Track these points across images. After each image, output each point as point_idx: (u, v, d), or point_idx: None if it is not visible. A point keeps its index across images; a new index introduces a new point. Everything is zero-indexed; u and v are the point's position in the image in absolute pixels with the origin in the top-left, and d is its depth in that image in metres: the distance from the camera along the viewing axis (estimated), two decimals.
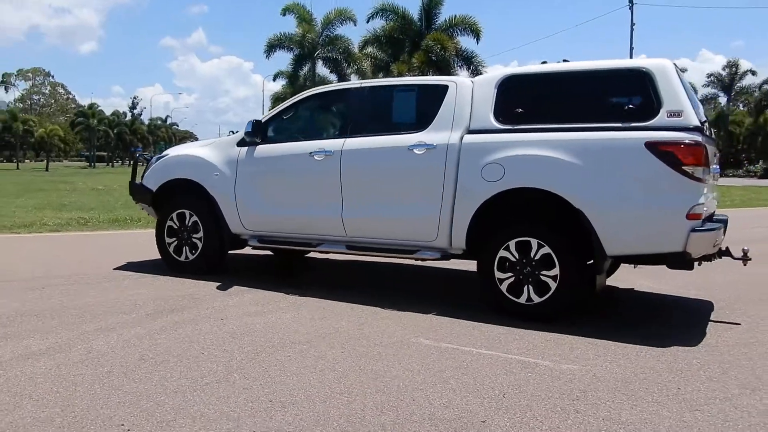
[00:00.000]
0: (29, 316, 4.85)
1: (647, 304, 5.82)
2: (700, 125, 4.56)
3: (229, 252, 6.71)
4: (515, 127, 5.05)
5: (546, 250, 4.84)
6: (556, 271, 4.82)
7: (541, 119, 5.02)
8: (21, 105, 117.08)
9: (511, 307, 4.99)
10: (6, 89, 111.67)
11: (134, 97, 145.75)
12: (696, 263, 5.17)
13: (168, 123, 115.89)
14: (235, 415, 3.15)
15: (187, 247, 6.47)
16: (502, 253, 4.99)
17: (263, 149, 6.07)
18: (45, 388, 3.44)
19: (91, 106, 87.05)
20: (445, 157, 5.19)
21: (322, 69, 31.71)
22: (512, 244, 4.96)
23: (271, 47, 28.99)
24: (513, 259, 4.97)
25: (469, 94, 5.30)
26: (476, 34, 27.16)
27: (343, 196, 5.63)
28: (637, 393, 3.54)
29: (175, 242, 6.53)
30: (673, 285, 6.35)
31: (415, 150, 5.30)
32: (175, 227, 6.52)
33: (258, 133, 6.03)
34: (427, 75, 28.24)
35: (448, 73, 29.06)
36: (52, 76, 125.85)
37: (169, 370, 3.74)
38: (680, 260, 4.67)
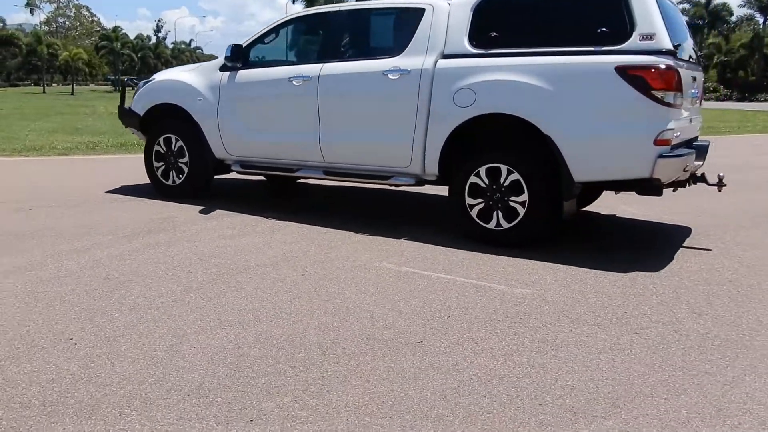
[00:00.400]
0: (8, 236, 5.03)
1: (623, 230, 5.82)
2: (672, 49, 4.44)
3: (220, 177, 6.81)
4: (489, 52, 4.96)
5: (515, 176, 4.83)
6: (524, 197, 4.82)
7: (515, 43, 4.91)
8: (46, 28, 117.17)
9: (481, 232, 5.02)
10: (32, 12, 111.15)
11: (159, 20, 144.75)
12: (672, 190, 5.17)
13: (192, 47, 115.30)
14: (181, 332, 3.28)
15: (173, 172, 6.56)
16: (473, 179, 4.99)
17: (244, 74, 6.05)
18: (7, 303, 3.61)
19: (115, 29, 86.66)
20: (419, 82, 5.13)
21: None
22: (482, 170, 4.95)
23: None
24: (483, 185, 4.97)
25: (446, 17, 5.18)
26: None
27: (321, 121, 5.62)
28: (582, 316, 3.60)
29: (163, 166, 6.62)
30: (657, 211, 6.31)
31: (389, 75, 5.24)
32: (162, 152, 6.60)
33: (238, 57, 5.99)
34: None
35: None
36: None
37: (129, 290, 3.88)
38: (648, 186, 4.64)
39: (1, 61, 69.28)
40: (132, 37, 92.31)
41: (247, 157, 6.19)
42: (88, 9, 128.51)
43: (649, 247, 5.22)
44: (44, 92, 59.91)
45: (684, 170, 4.73)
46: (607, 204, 6.46)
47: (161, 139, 6.59)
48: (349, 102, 5.52)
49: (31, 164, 9.64)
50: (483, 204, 4.99)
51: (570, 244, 5.21)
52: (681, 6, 56.93)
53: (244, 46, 6.08)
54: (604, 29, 4.59)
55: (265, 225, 5.58)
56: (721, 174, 5.11)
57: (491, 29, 5.01)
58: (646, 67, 4.41)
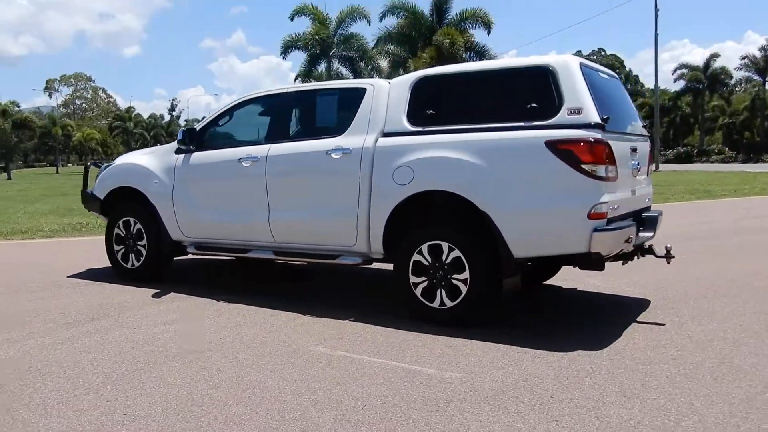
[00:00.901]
0: None
1: (580, 305, 5.69)
2: (600, 122, 4.42)
3: (187, 257, 6.78)
4: (426, 129, 4.98)
5: (456, 253, 4.76)
6: (466, 274, 4.74)
7: (450, 120, 4.94)
8: (64, 110, 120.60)
9: (426, 312, 4.92)
10: (50, 95, 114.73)
11: (173, 99, 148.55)
12: (621, 263, 5.09)
13: None
14: (80, 428, 3.18)
15: (132, 255, 6.55)
16: (415, 257, 4.93)
17: (198, 156, 6.10)
18: None
19: (128, 109, 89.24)
20: (360, 161, 5.14)
21: (340, 68, 32.10)
22: (425, 247, 4.89)
23: (287, 48, 29.15)
24: (426, 263, 4.90)
25: (386, 96, 5.24)
26: (487, 26, 26.90)
27: (270, 201, 5.63)
28: (504, 403, 3.45)
29: (122, 249, 6.62)
30: (622, 282, 6.19)
31: (332, 154, 5.26)
32: (122, 235, 6.61)
33: (190, 141, 6.08)
34: None
35: None
36: (94, 81, 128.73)
37: (47, 382, 3.79)
38: (588, 261, 4.56)
39: (18, 143, 71.12)
40: (150, 116, 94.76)
41: (201, 238, 6.18)
42: (104, 90, 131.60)
43: (601, 322, 5.08)
44: (57, 172, 61.18)
45: (626, 242, 4.65)
46: (571, 276, 6.35)
47: (121, 222, 6.61)
48: (295, 182, 5.53)
49: (9, 248, 9.69)
50: (427, 282, 4.91)
51: (520, 320, 5.10)
52: (679, 71, 57.76)
53: (197, 129, 6.17)
54: (534, 105, 4.61)
55: (213, 308, 5.51)
56: (669, 245, 5.02)
57: (428, 107, 5.05)
58: (574, 141, 4.40)
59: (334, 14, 29.19)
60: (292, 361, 4.15)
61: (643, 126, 5.60)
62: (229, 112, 6.21)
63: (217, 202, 5.99)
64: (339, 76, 36.19)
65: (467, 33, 26.87)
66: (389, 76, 24.89)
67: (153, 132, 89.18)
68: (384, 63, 30.17)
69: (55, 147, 78.02)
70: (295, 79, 30.01)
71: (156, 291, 6.09)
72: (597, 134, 4.40)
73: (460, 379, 3.81)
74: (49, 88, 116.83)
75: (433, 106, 5.04)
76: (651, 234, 5.24)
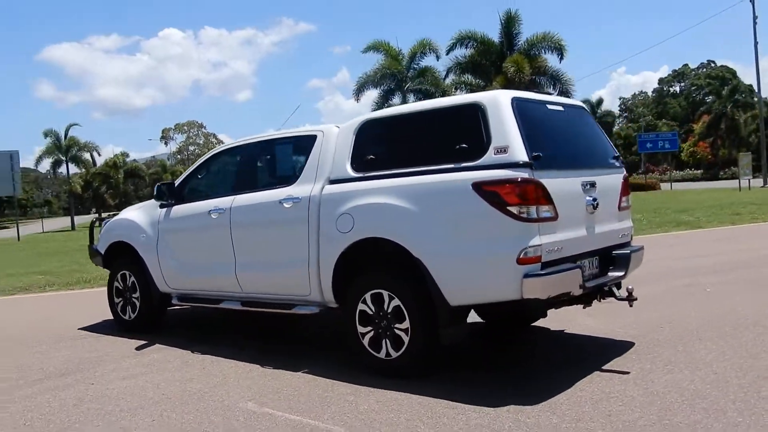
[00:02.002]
0: None
1: (555, 349, 5.34)
2: (528, 160, 4.15)
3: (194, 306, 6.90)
4: (366, 175, 4.86)
5: (396, 302, 4.59)
6: (407, 324, 4.55)
7: (389, 164, 4.80)
8: (179, 156, 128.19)
9: (373, 363, 4.76)
10: (166, 143, 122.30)
11: None
12: (582, 306, 4.76)
13: None
14: None
15: (129, 307, 6.75)
16: (360, 306, 4.78)
17: (177, 209, 6.24)
18: None
19: None
20: (308, 209, 5.08)
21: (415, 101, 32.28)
22: (368, 296, 4.74)
23: (360, 88, 29.63)
24: (370, 312, 4.74)
25: (334, 142, 5.17)
26: (559, 51, 26.21)
27: (235, 252, 5.66)
28: None
29: (121, 302, 6.84)
30: (618, 323, 5.76)
31: (284, 204, 5.23)
32: (120, 287, 6.83)
33: (161, 195, 6.24)
34: None
35: None
36: (205, 127, 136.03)
37: None
38: (526, 307, 4.28)
39: (134, 191, 75.89)
40: None
41: (183, 289, 6.29)
42: (215, 135, 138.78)
43: (562, 371, 4.69)
44: None
45: (571, 286, 4.31)
46: (566, 316, 5.97)
47: (119, 276, 6.84)
48: (255, 232, 5.53)
49: (61, 298, 10.23)
50: (373, 332, 4.75)
51: (470, 370, 4.82)
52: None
53: (176, 183, 6.32)
54: (464, 145, 4.40)
55: (180, 360, 5.55)
56: (630, 287, 4.62)
57: (369, 151, 4.93)
58: (498, 183, 4.15)
59: (405, 49, 29.49)
60: (212, 419, 4.11)
61: (615, 157, 5.20)
62: (205, 165, 6.33)
63: (193, 254, 6.09)
64: None
65: (539, 58, 26.26)
66: None
67: None
68: (460, 94, 30.23)
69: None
70: None
71: (144, 342, 6.22)
72: (523, 174, 4.13)
73: None
74: (165, 137, 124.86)
75: (374, 151, 4.92)
76: (620, 273, 4.86)
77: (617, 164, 5.17)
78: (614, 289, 4.68)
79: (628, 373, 4.47)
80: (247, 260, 5.59)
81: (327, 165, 5.12)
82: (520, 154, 4.17)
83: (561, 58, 26.65)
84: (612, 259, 4.92)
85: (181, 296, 6.32)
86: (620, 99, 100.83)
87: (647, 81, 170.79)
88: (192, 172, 6.36)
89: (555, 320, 5.96)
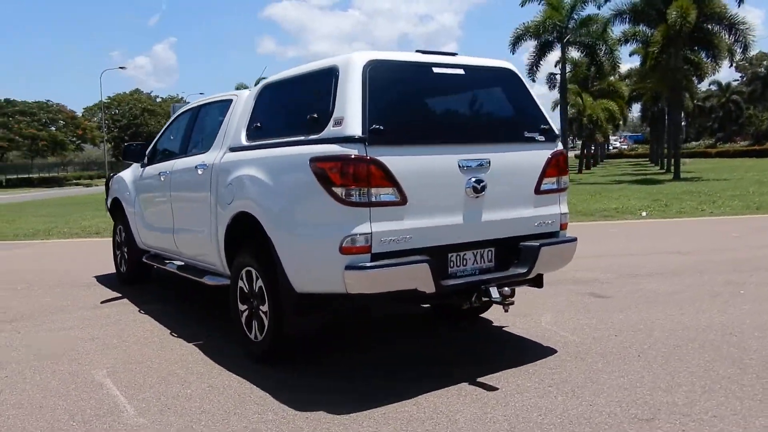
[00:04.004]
0: None
1: (463, 346, 4.65)
2: (361, 135, 3.57)
3: None
4: (253, 144, 4.51)
5: (261, 282, 4.27)
6: (266, 306, 4.22)
7: (269, 133, 4.40)
8: None
9: (246, 343, 4.49)
10: None
11: None
12: (462, 307, 4.12)
13: None
14: None
15: (123, 260, 7.03)
16: (240, 282, 4.52)
17: (146, 170, 6.29)
18: None
19: None
20: (210, 177, 4.86)
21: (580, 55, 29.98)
22: (244, 273, 4.45)
23: (518, 39, 27.83)
24: (246, 291, 4.46)
25: (241, 108, 4.86)
26: None
27: (173, 214, 5.62)
28: None
29: (118, 255, 7.15)
30: (575, 325, 4.98)
31: (198, 170, 5.05)
32: (118, 241, 7.14)
33: (128, 155, 6.32)
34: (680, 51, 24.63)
35: (710, 48, 24.92)
36: None
37: None
38: (352, 303, 3.79)
39: None
40: None
41: (149, 248, 6.40)
42: None
43: (430, 375, 4.06)
44: None
45: (426, 283, 3.69)
46: (526, 311, 5.26)
47: (117, 229, 7.14)
48: (182, 196, 5.45)
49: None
50: (247, 311, 4.47)
51: (333, 364, 4.38)
52: None
53: (153, 143, 6.38)
54: (314, 115, 3.90)
55: (120, 318, 5.66)
56: (507, 290, 3.86)
57: (259, 119, 4.57)
58: (325, 159, 3.63)
59: None
60: (51, 384, 4.12)
61: (542, 131, 4.31)
62: (168, 127, 6.31)
63: (152, 214, 6.16)
64: (575, 64, 34.00)
65: (711, 3, 22.78)
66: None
67: None
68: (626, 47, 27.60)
69: None
70: (528, 71, 28.66)
71: (116, 296, 6.47)
72: (353, 150, 3.57)
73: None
74: None
75: (262, 118, 4.55)
76: (522, 270, 4.10)
77: (541, 138, 4.30)
78: (490, 289, 3.92)
79: (496, 389, 3.78)
80: (180, 223, 5.53)
81: (231, 132, 4.83)
82: (354, 127, 3.60)
83: (740, 2, 23.04)
84: (517, 251, 4.17)
85: (148, 255, 6.44)
86: None
87: None
88: (162, 132, 6.39)
89: (514, 314, 5.28)
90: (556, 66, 28.78)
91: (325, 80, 3.91)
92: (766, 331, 4.68)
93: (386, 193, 3.63)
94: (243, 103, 4.86)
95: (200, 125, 5.53)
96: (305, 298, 3.98)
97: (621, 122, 57.07)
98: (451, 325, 5.16)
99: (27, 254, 10.33)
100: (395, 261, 3.64)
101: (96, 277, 7.62)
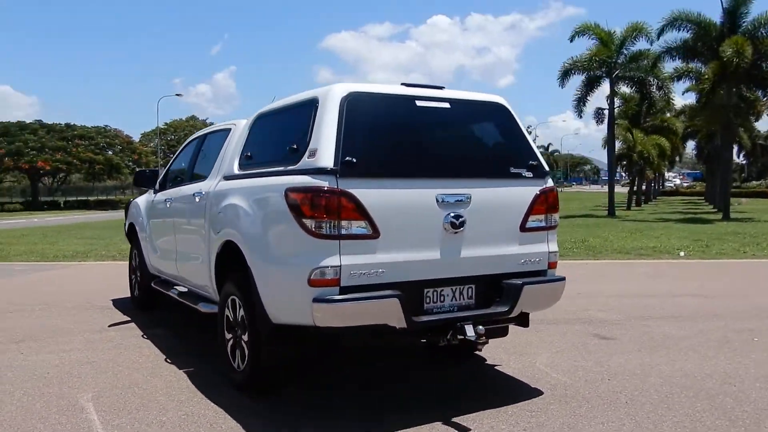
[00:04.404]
0: None
1: (448, 384, 4.52)
2: (333, 167, 3.57)
3: None
4: (242, 173, 4.57)
5: (242, 311, 4.28)
6: (247, 335, 4.22)
7: (257, 163, 4.46)
8: None
9: (230, 372, 4.50)
10: None
11: (528, 127, 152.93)
12: (428, 343, 4.02)
13: (549, 150, 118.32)
14: None
15: (137, 284, 7.16)
16: (226, 311, 4.54)
17: (158, 196, 6.43)
18: None
19: None
20: (205, 205, 4.93)
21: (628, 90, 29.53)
22: (229, 302, 4.48)
23: (566, 74, 27.54)
24: (231, 319, 4.48)
25: (237, 137, 4.94)
26: None
27: (176, 241, 5.71)
28: None
29: (133, 278, 7.28)
30: (571, 366, 4.82)
31: (195, 197, 5.14)
32: (133, 265, 7.28)
33: (143, 182, 6.46)
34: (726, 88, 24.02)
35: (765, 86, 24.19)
36: None
37: None
38: (326, 336, 3.75)
39: None
40: None
41: (158, 273, 6.50)
42: None
43: (409, 410, 4.00)
44: None
45: (397, 318, 3.63)
46: (523, 349, 5.12)
47: (133, 254, 7.28)
48: (182, 223, 5.54)
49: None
50: (232, 340, 4.49)
51: (324, 395, 4.33)
52: None
53: (165, 170, 6.52)
54: (294, 145, 3.93)
55: (125, 340, 5.75)
56: (481, 328, 3.76)
57: (250, 148, 4.63)
58: (297, 190, 3.65)
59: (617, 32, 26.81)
60: (35, 407, 4.18)
61: (530, 167, 4.23)
62: (179, 154, 6.43)
63: (159, 240, 6.27)
64: (625, 99, 33.41)
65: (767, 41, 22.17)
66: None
67: None
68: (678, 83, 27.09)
69: None
70: (575, 106, 28.28)
71: (125, 320, 6.58)
72: (324, 182, 3.57)
73: None
74: None
75: (253, 148, 4.61)
76: (503, 309, 4.00)
77: (528, 174, 4.22)
78: (466, 327, 3.81)
79: (468, 430, 3.68)
80: (181, 249, 5.61)
81: (226, 160, 4.91)
82: (327, 159, 3.61)
83: None
84: (500, 289, 4.07)
85: (157, 281, 6.54)
86: None
87: None
88: (171, 161, 6.53)
89: (509, 352, 5.17)
90: (607, 100, 28.16)
91: (307, 111, 3.95)
92: (765, 382, 4.44)
93: (357, 226, 3.61)
94: (239, 132, 4.94)
95: (204, 153, 5.63)
96: (280, 328, 3.97)
97: (676, 159, 55.63)
98: (443, 361, 5.06)
99: (57, 276, 10.62)
100: (365, 295, 3.61)
101: (113, 300, 7.77)
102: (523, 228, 4.16)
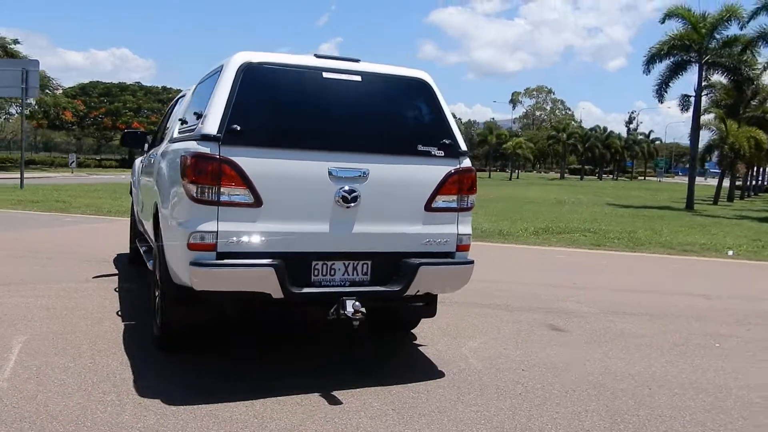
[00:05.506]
0: None
1: (348, 358, 4.52)
2: (215, 134, 3.62)
3: None
4: (177, 137, 4.65)
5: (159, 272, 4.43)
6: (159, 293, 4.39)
7: (186, 129, 4.51)
8: (525, 120, 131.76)
9: (153, 328, 4.67)
10: (513, 107, 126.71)
11: (631, 112, 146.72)
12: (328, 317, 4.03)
13: (651, 137, 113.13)
14: None
15: (130, 240, 7.50)
16: (155, 270, 4.71)
17: (143, 157, 6.68)
18: None
19: (566, 125, 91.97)
20: (155, 165, 5.11)
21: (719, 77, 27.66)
22: (156, 261, 4.64)
23: (652, 58, 26.06)
24: (156, 278, 4.64)
25: (186, 101, 5.07)
26: None
27: (142, 200, 5.93)
28: None
29: (131, 234, 7.63)
30: (501, 352, 4.71)
31: (151, 159, 5.35)
32: (132, 221, 7.61)
33: (129, 142, 6.69)
34: None
35: None
36: (554, 93, 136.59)
37: None
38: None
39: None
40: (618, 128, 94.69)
41: (142, 231, 6.76)
42: (563, 103, 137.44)
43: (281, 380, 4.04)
44: (489, 177, 67.17)
45: (274, 287, 3.67)
46: (455, 332, 5.04)
47: (132, 210, 7.61)
48: (144, 182, 5.76)
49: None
50: (157, 298, 4.64)
51: (228, 360, 4.42)
52: None
53: (140, 131, 6.77)
54: (200, 111, 4.00)
55: (96, 291, 6.08)
56: (358, 305, 3.73)
57: (186, 114, 4.74)
58: (184, 155, 3.74)
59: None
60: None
61: (442, 146, 4.09)
62: (167, 113, 6.64)
63: (137, 196, 6.53)
64: (717, 87, 31.45)
65: None
66: None
67: (588, 144, 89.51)
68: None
69: (489, 153, 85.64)
70: (656, 92, 26.89)
71: (111, 273, 6.93)
72: (206, 148, 3.63)
73: None
74: (514, 100, 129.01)
75: (188, 113, 4.71)
76: (396, 288, 3.95)
77: (439, 153, 4.09)
78: (347, 302, 3.78)
79: (340, 404, 3.68)
80: (144, 209, 5.82)
81: (173, 124, 5.06)
82: (212, 126, 3.66)
83: None
84: (397, 268, 4.02)
85: (139, 238, 6.81)
86: None
87: None
88: (161, 119, 6.75)
89: (442, 334, 5.11)
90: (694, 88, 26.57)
91: (215, 78, 4.01)
92: (687, 389, 4.17)
93: (238, 194, 3.65)
94: (187, 98, 5.07)
95: (172, 116, 5.79)
96: (182, 290, 4.07)
97: None
98: (370, 335, 5.04)
99: (91, 229, 11.25)
100: (239, 262, 3.67)
101: (118, 254, 8.17)
102: (428, 207, 4.08)
